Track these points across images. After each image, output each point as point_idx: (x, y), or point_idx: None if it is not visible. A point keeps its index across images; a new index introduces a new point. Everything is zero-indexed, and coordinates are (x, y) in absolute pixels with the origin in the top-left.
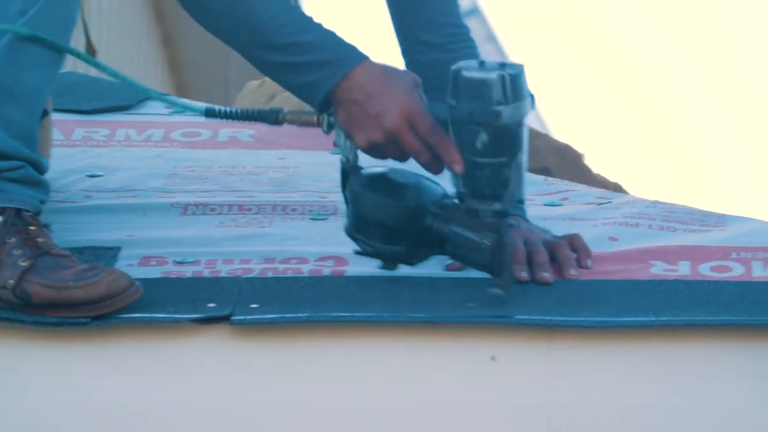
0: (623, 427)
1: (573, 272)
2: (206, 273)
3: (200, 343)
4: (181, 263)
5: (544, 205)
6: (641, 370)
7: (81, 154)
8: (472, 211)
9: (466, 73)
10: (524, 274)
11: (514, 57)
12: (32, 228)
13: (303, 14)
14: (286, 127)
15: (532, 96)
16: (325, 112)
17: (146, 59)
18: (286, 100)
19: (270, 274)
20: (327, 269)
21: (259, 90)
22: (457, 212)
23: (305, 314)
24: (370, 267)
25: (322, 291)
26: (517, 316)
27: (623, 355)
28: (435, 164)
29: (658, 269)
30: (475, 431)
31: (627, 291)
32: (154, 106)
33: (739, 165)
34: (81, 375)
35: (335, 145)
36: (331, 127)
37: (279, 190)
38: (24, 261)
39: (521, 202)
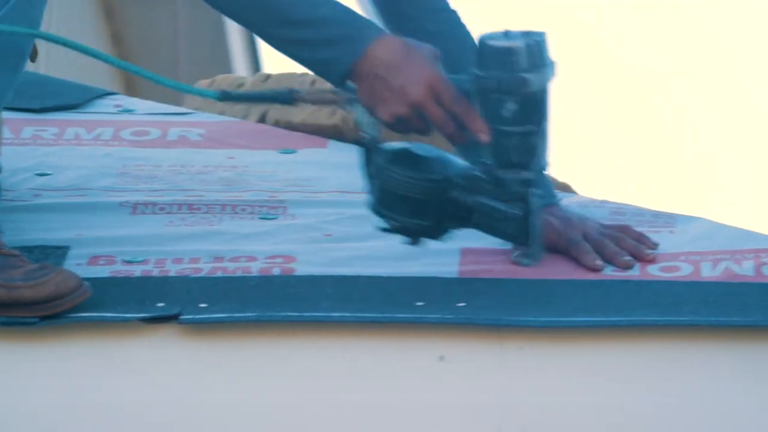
0: (573, 426)
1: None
2: (155, 272)
3: (149, 343)
4: (130, 262)
5: None
6: (591, 369)
7: (30, 152)
8: (500, 180)
9: (491, 42)
10: (599, 262)
11: None
12: None
13: None
14: (235, 126)
15: (553, 63)
16: (344, 88)
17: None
18: None
19: (219, 274)
20: (276, 268)
21: (209, 89)
22: (483, 183)
23: (254, 314)
24: (319, 266)
25: (272, 290)
26: (467, 316)
27: (573, 355)
28: (459, 135)
29: (609, 269)
30: (425, 430)
31: (577, 291)
32: (104, 105)
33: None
34: (28, 375)
35: (356, 123)
36: (350, 103)
37: (228, 190)
38: None
39: (543, 169)
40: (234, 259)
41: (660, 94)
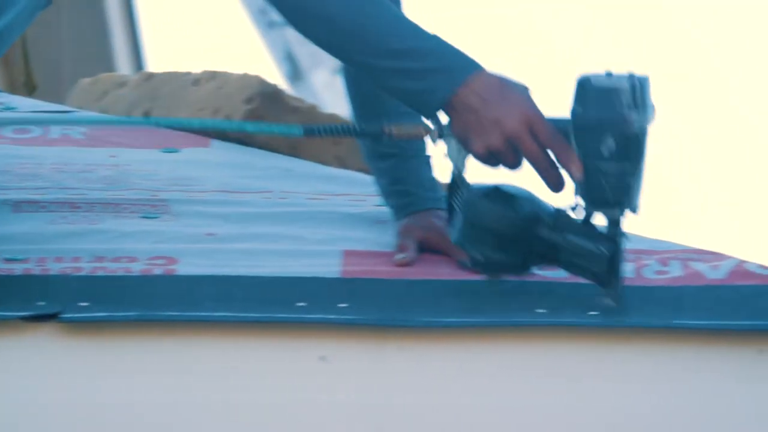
0: (454, 426)
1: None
2: (36, 271)
3: (29, 341)
4: (10, 261)
5: (376, 206)
6: (471, 370)
7: None
8: (588, 223)
9: (595, 81)
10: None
11: None
12: None
13: (414, 23)
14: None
15: (653, 105)
16: (435, 120)
17: None
18: (119, 98)
19: (101, 273)
20: (158, 268)
21: (92, 87)
22: (571, 221)
23: (135, 313)
24: (201, 266)
25: (153, 290)
26: (348, 316)
27: (454, 355)
28: (552, 173)
29: None
30: (305, 431)
31: (458, 292)
32: None
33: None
34: None
35: (446, 156)
36: (441, 136)
37: (110, 188)
38: None
39: (635, 210)
40: (115, 259)
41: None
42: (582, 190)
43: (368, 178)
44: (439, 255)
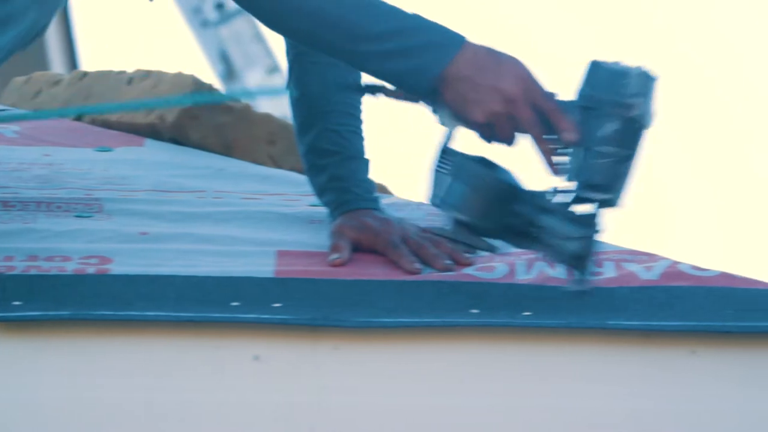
0: (386, 427)
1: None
2: None
3: None
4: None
5: (310, 206)
6: (405, 370)
7: None
8: (583, 199)
9: (606, 65)
10: (417, 265)
11: (283, 57)
12: None
13: (392, 5)
14: (51, 124)
15: (654, 104)
16: (431, 96)
17: None
18: (52, 97)
19: (34, 272)
20: (91, 267)
21: (25, 86)
22: (549, 202)
23: (68, 312)
24: (134, 266)
25: (87, 289)
26: (281, 316)
27: (387, 355)
28: (545, 141)
29: (427, 272)
30: (238, 431)
31: (392, 292)
32: None
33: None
34: None
35: (439, 123)
36: (434, 112)
37: (44, 187)
38: None
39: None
40: (49, 258)
41: None
42: (574, 169)
43: (302, 178)
44: (373, 255)
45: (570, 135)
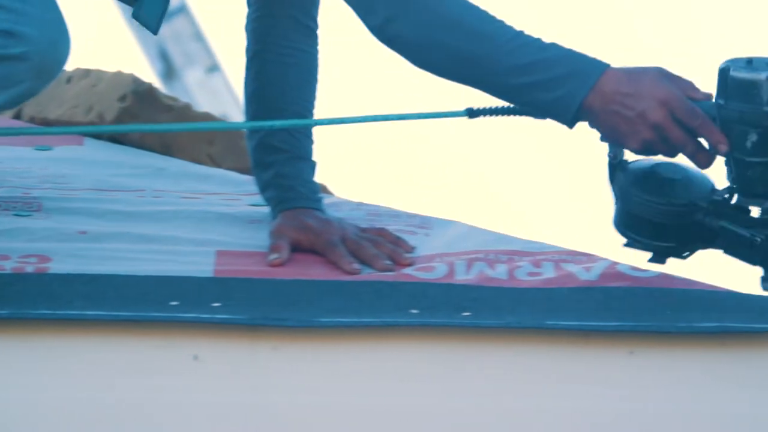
0: (327, 426)
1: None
2: None
3: None
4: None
5: (250, 205)
6: (344, 370)
7: None
8: (743, 208)
9: (734, 74)
10: (356, 266)
11: (223, 55)
12: None
13: (530, 35)
14: None
15: None
16: (575, 123)
17: None
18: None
19: None
20: (30, 266)
21: None
22: (727, 208)
23: (6, 311)
24: (73, 264)
25: (25, 288)
26: (221, 316)
27: (326, 355)
28: (702, 155)
29: (366, 272)
30: (177, 430)
31: (332, 292)
32: None
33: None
34: None
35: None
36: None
37: None
38: None
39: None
40: None
41: (419, 92)
42: (731, 179)
43: (242, 178)
44: (313, 255)
45: (723, 147)
